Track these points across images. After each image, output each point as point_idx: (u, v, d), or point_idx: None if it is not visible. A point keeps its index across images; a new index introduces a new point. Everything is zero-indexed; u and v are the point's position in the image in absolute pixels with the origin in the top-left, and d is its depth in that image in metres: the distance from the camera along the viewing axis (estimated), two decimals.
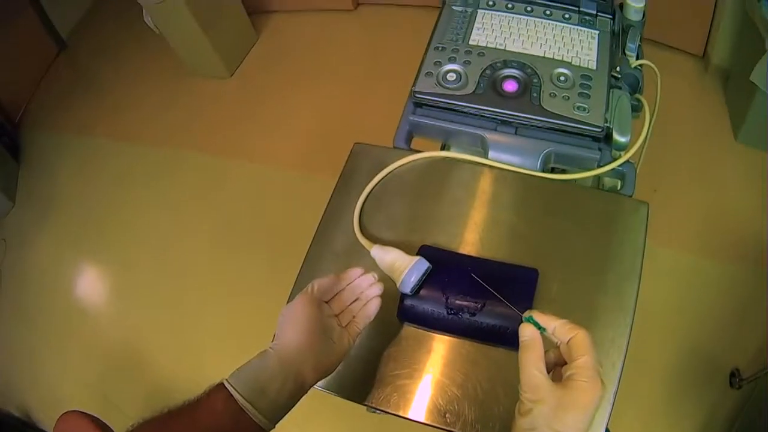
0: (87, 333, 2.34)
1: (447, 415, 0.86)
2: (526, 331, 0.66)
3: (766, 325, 1.91)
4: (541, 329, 0.67)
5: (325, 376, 0.78)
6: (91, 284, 2.54)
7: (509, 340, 0.88)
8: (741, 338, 1.93)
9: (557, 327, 0.66)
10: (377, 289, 0.85)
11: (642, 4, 1.24)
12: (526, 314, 0.68)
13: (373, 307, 0.84)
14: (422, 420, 0.87)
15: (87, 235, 2.62)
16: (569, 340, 0.65)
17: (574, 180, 1.05)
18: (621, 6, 1.26)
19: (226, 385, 0.70)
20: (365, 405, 0.90)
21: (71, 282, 2.52)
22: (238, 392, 0.69)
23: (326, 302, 0.82)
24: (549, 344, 0.66)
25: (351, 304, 0.85)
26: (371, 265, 0.95)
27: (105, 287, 2.53)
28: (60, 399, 2.17)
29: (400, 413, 0.88)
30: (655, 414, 1.85)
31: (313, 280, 0.80)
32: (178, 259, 2.44)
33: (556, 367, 0.67)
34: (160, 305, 2.34)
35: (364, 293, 0.85)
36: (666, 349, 1.95)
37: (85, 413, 1.32)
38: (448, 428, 0.86)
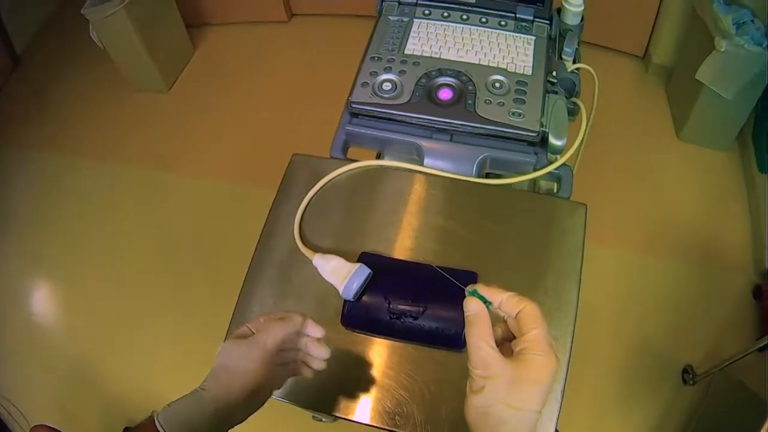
0: (43, 347, 2.31)
1: (396, 418, 0.87)
2: (471, 306, 0.62)
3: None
4: (486, 303, 0.62)
5: None
6: (44, 299, 2.50)
7: (452, 341, 0.90)
8: (691, 335, 1.98)
9: (504, 300, 0.62)
10: (324, 353, 0.79)
11: (580, 9, 1.26)
12: (470, 288, 0.64)
13: (316, 367, 0.80)
14: (372, 423, 0.88)
15: (38, 250, 2.59)
16: (518, 313, 0.61)
17: (510, 184, 1.06)
18: (559, 11, 1.28)
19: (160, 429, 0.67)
20: (312, 411, 0.91)
21: (25, 297, 2.49)
22: None
23: None
24: (496, 319, 0.62)
25: (293, 349, 0.79)
26: (315, 274, 0.96)
27: (58, 302, 2.50)
28: (19, 411, 2.14)
29: (350, 417, 0.89)
30: (607, 412, 1.88)
31: (269, 328, 0.74)
32: (124, 274, 2.44)
33: (505, 342, 0.64)
34: (110, 319, 2.33)
35: (310, 349, 0.79)
36: (616, 348, 1.98)
37: (54, 428, 1.31)
38: (397, 430, 0.86)
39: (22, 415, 1.84)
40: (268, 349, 0.72)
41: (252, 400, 0.72)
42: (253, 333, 0.74)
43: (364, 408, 0.88)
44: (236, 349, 0.72)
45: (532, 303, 0.61)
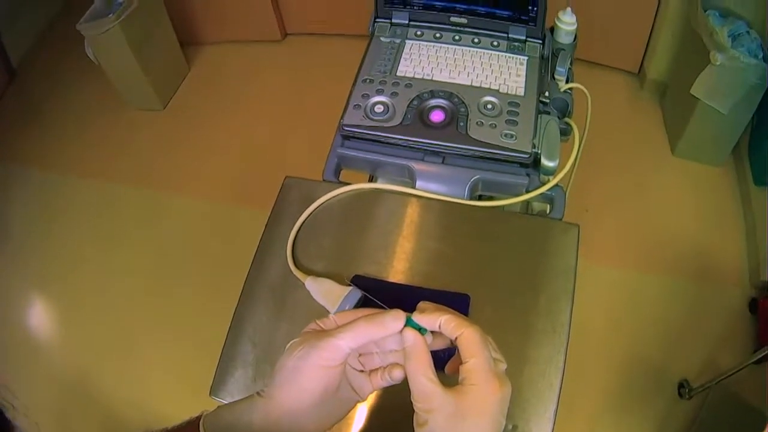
0: (39, 362, 2.31)
1: None
2: (408, 337, 0.59)
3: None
4: (422, 331, 0.59)
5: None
6: (39, 315, 2.51)
7: (444, 364, 0.89)
8: (687, 349, 1.98)
9: (442, 323, 0.58)
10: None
11: (573, 27, 1.25)
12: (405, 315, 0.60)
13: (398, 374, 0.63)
14: None
15: (33, 266, 2.60)
16: (456, 338, 0.58)
17: (502, 206, 1.07)
18: (552, 30, 1.28)
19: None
20: None
21: (20, 313, 2.49)
22: None
23: None
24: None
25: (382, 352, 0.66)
26: (308, 296, 0.96)
27: (53, 318, 2.51)
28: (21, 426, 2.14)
29: None
30: (603, 427, 1.87)
31: (343, 331, 0.59)
32: (119, 291, 2.44)
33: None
34: (105, 336, 2.33)
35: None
36: (611, 363, 1.98)
37: None
38: None
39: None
40: (342, 350, 0.59)
41: (318, 414, 0.61)
42: (338, 325, 0.62)
43: (356, 427, 0.88)
44: (299, 348, 0.60)
45: (470, 328, 0.57)
